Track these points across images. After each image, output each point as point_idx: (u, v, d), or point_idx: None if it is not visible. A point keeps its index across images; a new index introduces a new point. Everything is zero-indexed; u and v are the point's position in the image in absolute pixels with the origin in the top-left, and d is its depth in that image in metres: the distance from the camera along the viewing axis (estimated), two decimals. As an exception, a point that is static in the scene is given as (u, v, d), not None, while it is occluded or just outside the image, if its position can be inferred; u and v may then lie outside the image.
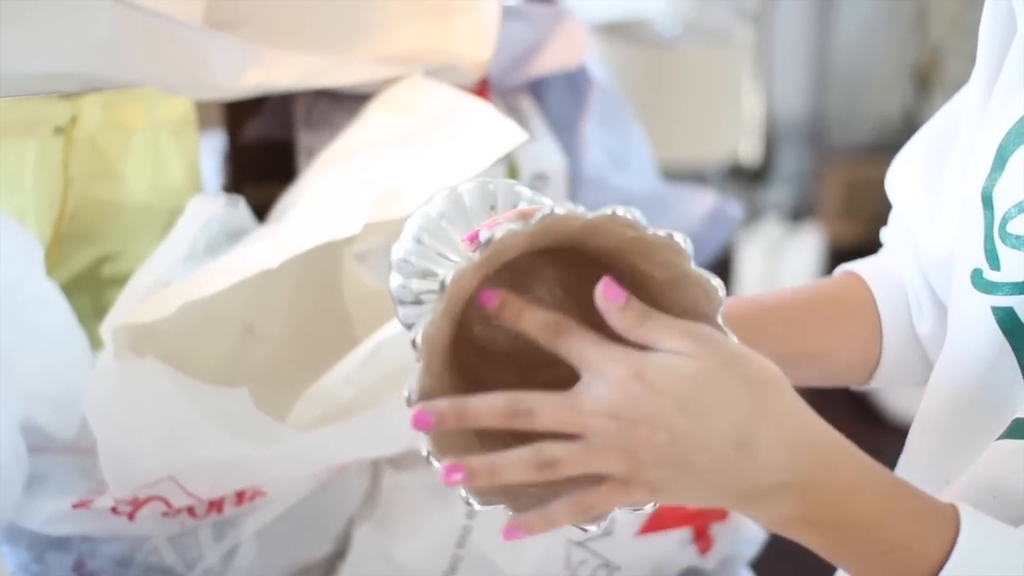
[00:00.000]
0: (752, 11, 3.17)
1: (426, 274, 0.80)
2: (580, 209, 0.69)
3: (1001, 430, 0.80)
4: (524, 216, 0.73)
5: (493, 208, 0.80)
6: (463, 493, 0.69)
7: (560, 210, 0.68)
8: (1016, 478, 0.77)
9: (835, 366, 0.96)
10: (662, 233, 0.69)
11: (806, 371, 0.95)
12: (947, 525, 0.71)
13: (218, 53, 1.21)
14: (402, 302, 0.81)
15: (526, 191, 0.82)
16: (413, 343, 0.68)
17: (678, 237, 0.69)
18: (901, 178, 0.98)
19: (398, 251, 0.82)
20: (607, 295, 0.68)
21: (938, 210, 0.93)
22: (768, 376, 0.70)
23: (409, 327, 0.81)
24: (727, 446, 0.67)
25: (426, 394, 0.69)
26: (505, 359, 0.79)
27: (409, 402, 0.68)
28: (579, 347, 0.68)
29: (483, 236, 0.68)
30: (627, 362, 0.67)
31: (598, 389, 0.67)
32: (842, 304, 0.96)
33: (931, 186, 0.94)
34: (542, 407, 0.66)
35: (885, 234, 1.01)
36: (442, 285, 0.68)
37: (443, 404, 0.67)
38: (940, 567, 0.70)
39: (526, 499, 0.70)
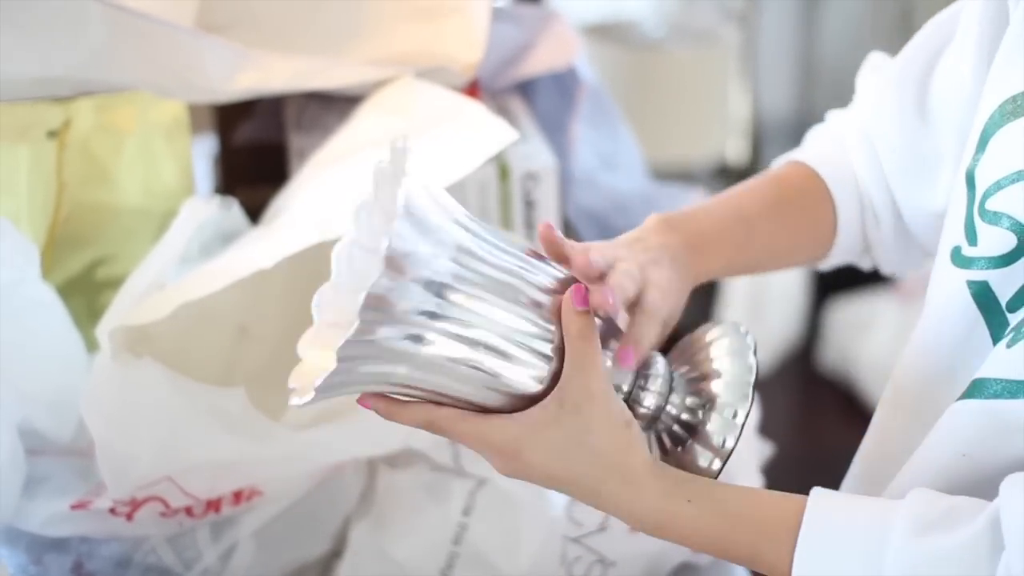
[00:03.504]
0: (738, 12, 3.18)
1: None
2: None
3: None
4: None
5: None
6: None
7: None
8: (982, 436, 0.79)
9: (793, 259, 1.04)
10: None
11: (767, 266, 1.03)
12: (787, 536, 0.77)
13: (210, 56, 1.22)
14: None
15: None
16: None
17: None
18: (873, 91, 1.03)
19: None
20: None
21: (922, 125, 0.97)
22: (612, 452, 0.80)
23: None
24: (578, 491, 0.81)
25: None
26: None
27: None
28: (459, 438, 0.80)
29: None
30: (502, 454, 0.79)
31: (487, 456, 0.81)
32: (808, 210, 1.02)
33: (909, 105, 0.98)
34: (451, 432, 0.80)
35: (835, 118, 1.07)
36: None
37: (380, 405, 0.79)
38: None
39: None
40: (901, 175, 1.00)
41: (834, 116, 1.08)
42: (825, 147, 1.05)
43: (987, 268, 0.83)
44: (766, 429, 1.38)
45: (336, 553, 1.17)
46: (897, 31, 3.18)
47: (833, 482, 1.02)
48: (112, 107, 1.27)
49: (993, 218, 0.82)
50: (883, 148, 1.00)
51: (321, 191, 1.20)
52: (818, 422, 2.71)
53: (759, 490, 0.82)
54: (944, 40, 0.97)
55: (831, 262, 1.05)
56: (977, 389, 0.80)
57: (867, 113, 1.02)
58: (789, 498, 0.80)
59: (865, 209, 1.02)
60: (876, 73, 1.05)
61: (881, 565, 0.74)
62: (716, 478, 0.82)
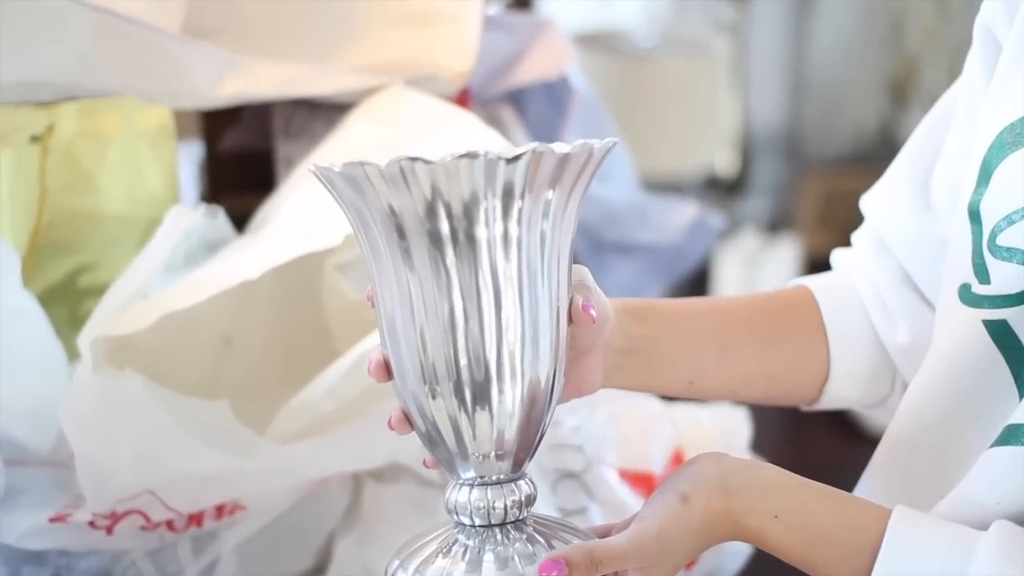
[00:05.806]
0: (728, 23, 3.18)
1: None
2: None
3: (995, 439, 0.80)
4: None
5: None
6: None
7: None
8: (1018, 484, 0.77)
9: (780, 386, 0.96)
10: None
11: (752, 391, 0.95)
12: (868, 560, 0.76)
13: (197, 62, 1.20)
14: None
15: None
16: None
17: None
18: (882, 195, 0.97)
19: None
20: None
21: (930, 215, 0.93)
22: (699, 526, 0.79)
23: None
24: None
25: None
26: None
27: None
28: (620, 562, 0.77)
29: None
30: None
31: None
32: (789, 322, 0.96)
33: (918, 194, 0.94)
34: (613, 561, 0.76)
35: (839, 256, 1.01)
36: None
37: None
38: None
39: None
40: (918, 263, 0.94)
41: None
42: (830, 273, 1.00)
43: (1003, 306, 0.80)
44: (758, 442, 1.37)
45: (320, 569, 1.16)
46: (888, 43, 3.18)
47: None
48: (96, 112, 1.26)
49: (1006, 254, 0.80)
50: (896, 243, 0.95)
51: (309, 201, 1.19)
52: (809, 435, 2.70)
53: (848, 500, 0.80)
54: (944, 132, 0.93)
55: (837, 387, 0.96)
56: (1012, 435, 0.78)
57: (872, 215, 0.98)
58: (876, 514, 0.78)
59: (877, 313, 0.95)
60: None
61: None
62: None
